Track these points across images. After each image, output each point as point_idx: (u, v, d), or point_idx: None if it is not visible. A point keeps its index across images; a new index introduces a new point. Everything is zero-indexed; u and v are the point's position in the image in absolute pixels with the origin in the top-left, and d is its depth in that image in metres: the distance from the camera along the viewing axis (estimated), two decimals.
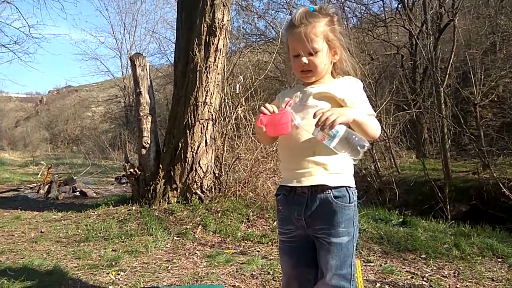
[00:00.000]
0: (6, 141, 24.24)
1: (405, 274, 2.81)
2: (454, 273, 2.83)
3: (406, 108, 9.63)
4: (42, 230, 4.20)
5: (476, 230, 3.90)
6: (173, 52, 5.43)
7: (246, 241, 3.64)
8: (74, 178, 8.00)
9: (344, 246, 1.40)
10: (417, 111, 9.84)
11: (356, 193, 1.46)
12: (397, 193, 7.79)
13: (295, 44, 1.43)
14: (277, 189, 1.55)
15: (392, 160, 9.53)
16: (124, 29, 23.41)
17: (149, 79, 5.07)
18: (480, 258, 3.09)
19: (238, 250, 3.41)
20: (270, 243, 3.57)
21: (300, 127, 1.39)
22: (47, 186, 7.11)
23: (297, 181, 1.42)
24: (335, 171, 1.41)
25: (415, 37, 10.52)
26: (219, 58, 4.71)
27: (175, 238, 3.74)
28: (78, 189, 7.41)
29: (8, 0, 14.45)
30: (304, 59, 1.42)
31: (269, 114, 1.39)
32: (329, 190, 1.39)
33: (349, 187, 1.43)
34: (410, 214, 5.40)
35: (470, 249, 3.23)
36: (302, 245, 1.50)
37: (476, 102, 8.70)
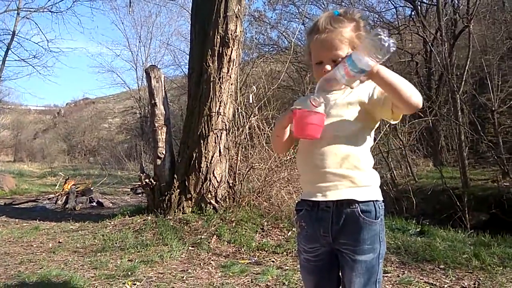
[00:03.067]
0: (25, 153, 24.80)
1: (423, 285, 2.75)
2: (474, 284, 2.76)
3: (422, 115, 9.50)
4: (60, 241, 4.26)
5: (496, 240, 3.81)
6: (187, 64, 5.51)
7: (260, 251, 3.63)
8: (91, 188, 8.11)
9: (368, 263, 1.33)
10: (433, 118, 9.71)
11: (383, 207, 1.38)
12: (414, 202, 7.65)
13: (318, 51, 1.36)
14: (297, 203, 1.48)
15: (409, 168, 9.40)
16: (139, 42, 23.90)
17: (163, 91, 5.14)
18: (501, 268, 3.00)
19: (253, 260, 3.40)
20: (285, 253, 3.55)
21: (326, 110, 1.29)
22: (64, 197, 7.23)
23: (322, 195, 1.34)
24: (363, 184, 1.34)
25: (430, 44, 10.44)
26: (232, 68, 4.76)
27: (190, 248, 3.75)
28: (95, 200, 7.52)
29: (27, 16, 14.95)
30: (328, 67, 1.34)
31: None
32: (356, 204, 1.32)
33: (376, 201, 1.35)
34: (428, 223, 5.30)
35: (491, 259, 3.15)
36: (327, 262, 1.43)
37: (493, 108, 8.54)
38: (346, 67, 1.20)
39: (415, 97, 1.24)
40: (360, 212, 1.32)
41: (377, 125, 1.43)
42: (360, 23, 1.37)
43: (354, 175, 1.33)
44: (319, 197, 1.35)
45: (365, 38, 1.24)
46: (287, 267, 3.17)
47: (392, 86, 1.24)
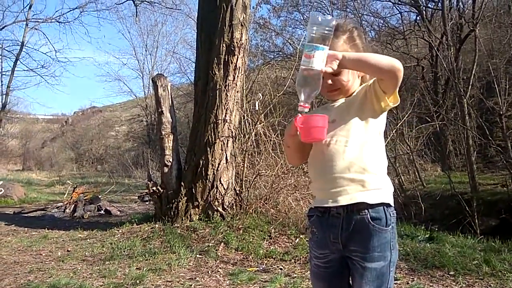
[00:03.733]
0: (34, 162, 24.97)
1: None
2: None
3: (429, 120, 9.47)
4: (69, 249, 4.29)
5: (507, 245, 3.76)
6: (193, 72, 5.55)
7: (268, 259, 3.62)
8: (99, 196, 8.15)
9: (379, 271, 1.31)
10: (440, 123, 9.66)
11: (395, 214, 1.36)
12: (423, 207, 7.59)
13: None
14: (309, 209, 1.49)
15: (417, 173, 9.34)
16: (145, 50, 24.00)
17: (170, 99, 5.18)
18: None
19: (261, 268, 3.39)
20: (292, 260, 3.54)
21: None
22: (73, 205, 7.27)
23: (333, 201, 1.34)
24: (373, 187, 1.33)
25: (435, 48, 10.41)
26: (238, 76, 4.79)
27: (198, 256, 3.75)
28: (102, 208, 7.55)
29: (36, 26, 15.18)
30: (329, 81, 1.39)
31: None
32: (366, 211, 1.31)
33: (387, 206, 1.34)
34: (436, 229, 5.26)
35: (501, 265, 3.11)
36: (337, 269, 1.42)
37: (501, 112, 8.47)
38: (305, 53, 1.28)
39: (387, 60, 1.28)
40: (370, 219, 1.31)
41: (383, 123, 1.41)
42: (353, 33, 1.42)
43: (363, 178, 1.33)
44: (330, 203, 1.35)
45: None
46: (295, 275, 3.16)
47: (362, 62, 1.31)
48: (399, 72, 1.28)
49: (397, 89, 1.33)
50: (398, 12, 13.78)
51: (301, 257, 3.54)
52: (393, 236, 1.35)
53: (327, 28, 1.25)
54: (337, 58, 1.27)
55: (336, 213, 1.35)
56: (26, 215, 7.33)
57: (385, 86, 1.31)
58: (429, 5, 12.50)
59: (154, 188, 4.90)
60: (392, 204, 1.37)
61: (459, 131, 9.44)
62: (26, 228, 5.63)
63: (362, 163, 1.34)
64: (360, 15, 12.50)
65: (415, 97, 9.28)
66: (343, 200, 1.33)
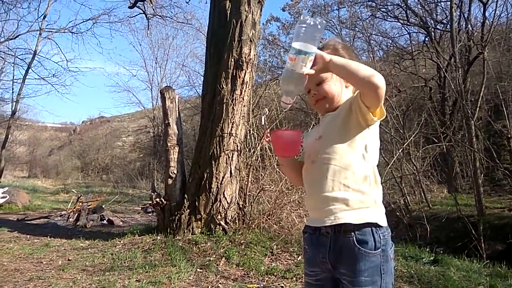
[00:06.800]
0: (40, 169, 25.17)
1: None
2: None
3: (436, 141, 9.42)
4: (70, 258, 4.26)
5: None
6: (201, 85, 5.60)
7: (269, 276, 3.56)
8: (103, 206, 8.16)
9: None
10: (447, 144, 9.60)
11: (385, 236, 1.29)
12: (428, 229, 7.48)
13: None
14: (304, 226, 1.47)
15: (423, 194, 9.24)
16: (155, 63, 24.38)
17: (177, 111, 5.21)
18: None
19: (262, 285, 3.34)
20: (294, 278, 3.48)
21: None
22: (76, 214, 7.28)
23: (320, 221, 1.33)
24: (358, 206, 1.29)
25: (443, 69, 10.43)
26: (245, 90, 4.82)
27: (198, 270, 3.71)
28: (105, 218, 7.55)
29: (49, 36, 15.47)
30: (313, 91, 1.42)
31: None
32: (352, 233, 1.26)
33: (376, 226, 1.27)
34: (442, 252, 5.18)
35: None
36: None
37: (509, 135, 8.43)
38: (289, 55, 1.24)
39: (369, 72, 1.23)
40: (356, 242, 1.26)
41: (372, 137, 1.36)
42: (337, 46, 1.46)
43: (347, 197, 1.29)
44: (317, 223, 1.35)
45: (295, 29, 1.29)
46: None
47: (346, 68, 1.27)
48: (378, 89, 1.22)
49: (381, 104, 1.28)
50: (406, 32, 13.91)
51: (303, 275, 3.48)
52: (384, 260, 1.28)
53: (316, 32, 1.22)
54: (325, 60, 1.27)
55: (325, 232, 1.33)
56: (29, 222, 7.34)
57: (368, 101, 1.28)
58: (438, 27, 12.57)
59: (158, 199, 4.90)
60: (383, 224, 1.30)
61: (466, 153, 9.36)
62: (28, 235, 5.63)
63: (345, 180, 1.30)
64: (368, 34, 12.59)
65: (422, 118, 9.27)
66: (328, 221, 1.31)
